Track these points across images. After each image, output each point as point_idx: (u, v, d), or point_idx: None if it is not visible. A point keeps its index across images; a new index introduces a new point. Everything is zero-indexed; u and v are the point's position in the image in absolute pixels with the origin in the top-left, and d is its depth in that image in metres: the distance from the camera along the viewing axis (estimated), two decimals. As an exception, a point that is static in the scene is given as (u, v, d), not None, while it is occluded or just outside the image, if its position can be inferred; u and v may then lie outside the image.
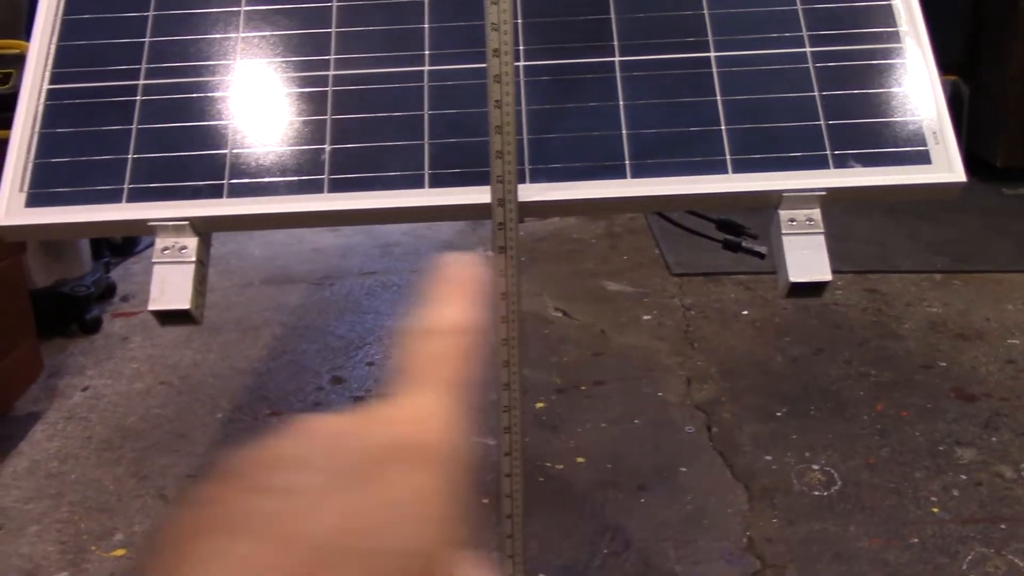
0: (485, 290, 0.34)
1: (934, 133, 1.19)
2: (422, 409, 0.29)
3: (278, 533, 0.24)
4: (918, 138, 1.19)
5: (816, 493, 1.95)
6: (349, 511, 0.25)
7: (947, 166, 1.17)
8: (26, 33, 2.71)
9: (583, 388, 2.41)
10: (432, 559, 0.25)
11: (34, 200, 1.15)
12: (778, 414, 2.25)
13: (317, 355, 2.65)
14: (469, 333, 0.32)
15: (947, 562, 1.73)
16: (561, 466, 2.07)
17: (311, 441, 0.27)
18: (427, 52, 1.23)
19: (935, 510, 1.88)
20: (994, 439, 2.12)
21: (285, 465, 0.26)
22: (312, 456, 0.26)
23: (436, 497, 0.26)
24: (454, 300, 0.33)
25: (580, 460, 2.09)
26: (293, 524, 0.24)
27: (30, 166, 1.17)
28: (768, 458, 2.08)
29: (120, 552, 1.83)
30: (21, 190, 1.15)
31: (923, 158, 1.17)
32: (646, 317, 2.82)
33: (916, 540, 1.79)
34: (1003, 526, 1.82)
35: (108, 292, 3.05)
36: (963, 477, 1.98)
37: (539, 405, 2.32)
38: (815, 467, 2.04)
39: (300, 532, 0.24)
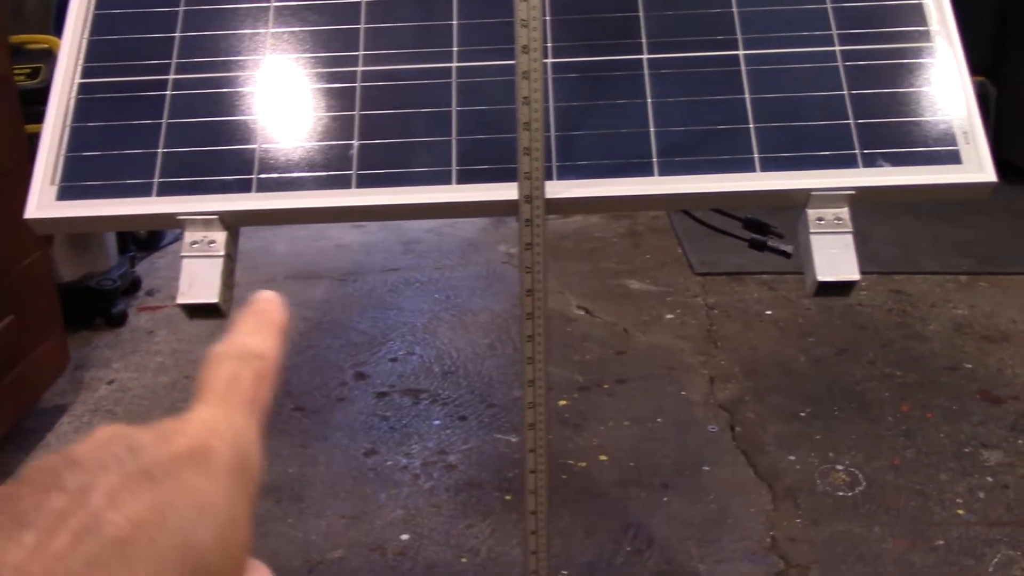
0: (284, 326, 0.36)
1: (964, 133, 1.18)
2: (216, 422, 0.30)
3: (71, 527, 0.25)
4: (948, 138, 1.18)
5: (840, 493, 1.94)
6: (142, 508, 0.26)
7: (977, 166, 1.16)
8: (55, 29, 2.74)
9: (606, 386, 2.41)
10: (223, 556, 0.27)
11: (65, 193, 1.16)
12: (802, 414, 2.24)
13: (340, 350, 2.66)
14: (265, 360, 0.34)
15: (973, 564, 1.72)
16: (584, 464, 2.07)
17: (108, 446, 0.28)
18: (455, 48, 1.23)
19: (961, 512, 1.87)
20: (1020, 442, 2.10)
21: (81, 467, 0.27)
22: (108, 460, 0.27)
23: (225, 500, 0.28)
24: (255, 329, 0.35)
25: (603, 458, 2.09)
26: (86, 519, 0.25)
27: (61, 159, 1.18)
28: (792, 458, 2.07)
29: (145, 544, 1.84)
30: (52, 183, 1.16)
31: (953, 158, 1.17)
32: (669, 316, 2.82)
33: (942, 542, 1.78)
34: (1029, 529, 1.81)
35: (134, 286, 3.08)
36: (989, 479, 1.97)
37: (562, 403, 2.32)
38: (839, 467, 2.03)
39: (93, 526, 0.25)
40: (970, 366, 2.45)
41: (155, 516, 0.26)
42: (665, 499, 1.94)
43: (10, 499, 0.26)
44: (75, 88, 1.22)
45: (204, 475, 0.28)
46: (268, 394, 0.34)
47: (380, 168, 1.17)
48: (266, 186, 1.16)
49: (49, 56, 2.66)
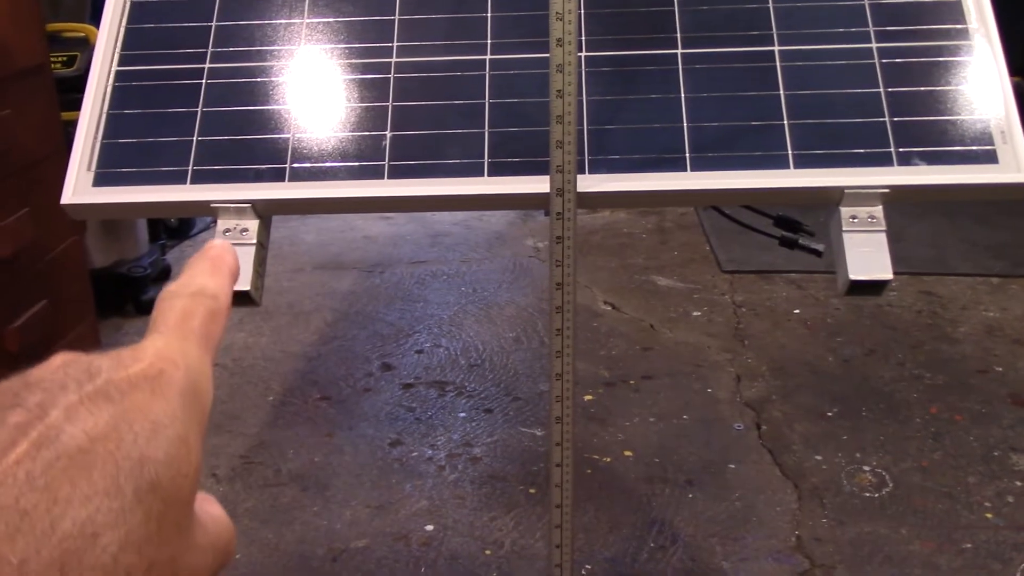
0: (235, 269, 0.38)
1: (1002, 132, 1.17)
2: (170, 349, 0.32)
3: (30, 437, 0.26)
4: (985, 137, 1.16)
5: (867, 494, 1.93)
6: (99, 424, 0.27)
7: (1015, 166, 1.15)
8: (91, 17, 2.77)
9: (631, 382, 2.40)
10: (174, 473, 0.28)
11: (101, 179, 1.17)
12: (829, 414, 2.23)
13: (367, 341, 2.67)
14: (217, 299, 0.35)
15: (1000, 568, 1.70)
16: (609, 459, 2.07)
17: (65, 369, 0.29)
18: (489, 41, 1.23)
19: (989, 516, 1.85)
20: (1051, 446, 2.08)
21: (39, 388, 0.28)
22: (66, 381, 0.28)
23: (177, 421, 0.29)
24: (207, 271, 0.36)
25: (628, 454, 2.09)
26: (45, 431, 0.26)
27: (98, 146, 1.19)
28: (818, 458, 2.06)
29: (172, 529, 1.86)
30: (89, 169, 1.18)
31: (990, 157, 1.15)
32: (696, 313, 2.81)
33: (969, 545, 1.77)
34: (1058, 535, 1.79)
35: (164, 274, 3.10)
36: (1018, 484, 1.95)
37: (587, 398, 2.32)
38: (866, 468, 2.02)
39: (52, 437, 0.26)
40: (1000, 369, 2.43)
41: (111, 431, 0.27)
42: (690, 496, 1.94)
43: None
44: (112, 76, 1.23)
45: (158, 396, 0.29)
46: (220, 331, 0.35)
47: (412, 159, 1.17)
48: (299, 175, 1.17)
49: (85, 44, 2.69)
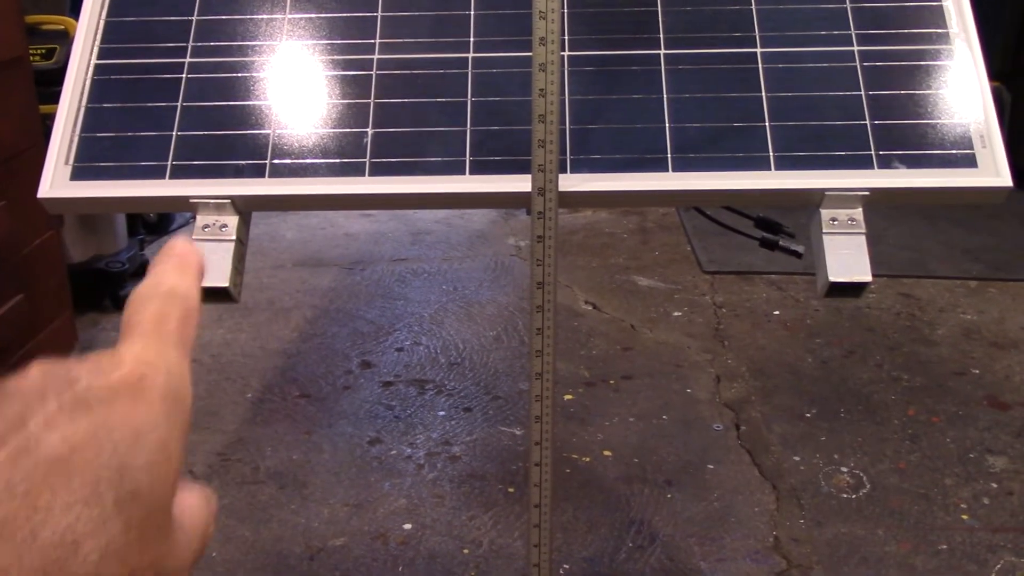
0: (201, 268, 0.37)
1: (981, 136, 1.17)
2: (148, 354, 0.32)
3: (8, 445, 0.26)
4: (965, 141, 1.17)
5: (844, 495, 1.94)
6: (79, 432, 0.27)
7: (994, 170, 1.15)
8: (71, 10, 2.74)
9: (611, 382, 2.40)
10: (154, 479, 0.28)
11: (79, 173, 1.16)
12: (807, 415, 2.24)
13: (347, 339, 2.66)
14: (188, 299, 0.35)
15: (976, 570, 1.71)
16: (588, 459, 2.07)
17: (43, 379, 0.29)
18: (472, 39, 1.23)
19: (965, 517, 1.86)
20: (1026, 449, 2.10)
21: (18, 398, 0.28)
22: (45, 390, 0.28)
23: (158, 427, 0.29)
24: (174, 270, 0.36)
25: (607, 453, 2.09)
26: (24, 440, 0.26)
27: (76, 140, 1.18)
28: (796, 458, 2.06)
29: (148, 526, 1.85)
30: (67, 163, 1.16)
31: (969, 161, 1.16)
32: (676, 313, 2.81)
33: (945, 547, 1.78)
34: (1033, 536, 1.80)
35: (142, 269, 3.08)
36: (994, 485, 1.96)
37: (567, 397, 2.32)
38: (844, 469, 2.03)
39: (31, 446, 0.26)
40: (977, 371, 2.45)
41: (91, 439, 0.27)
42: (668, 496, 1.94)
43: None
44: (91, 69, 1.22)
45: (138, 403, 0.29)
46: (193, 332, 0.35)
47: (393, 157, 1.17)
48: (279, 171, 1.16)
49: (65, 37, 2.66)
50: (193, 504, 0.32)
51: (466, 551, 1.79)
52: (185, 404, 0.32)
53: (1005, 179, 1.15)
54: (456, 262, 3.25)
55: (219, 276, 1.12)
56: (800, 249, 1.48)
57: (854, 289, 1.15)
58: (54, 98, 1.23)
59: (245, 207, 1.16)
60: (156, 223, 3.42)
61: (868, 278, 1.13)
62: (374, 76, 1.21)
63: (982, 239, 3.35)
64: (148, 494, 0.27)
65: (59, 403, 0.27)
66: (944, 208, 3.55)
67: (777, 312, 2.80)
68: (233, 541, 1.82)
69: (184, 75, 1.22)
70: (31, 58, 2.32)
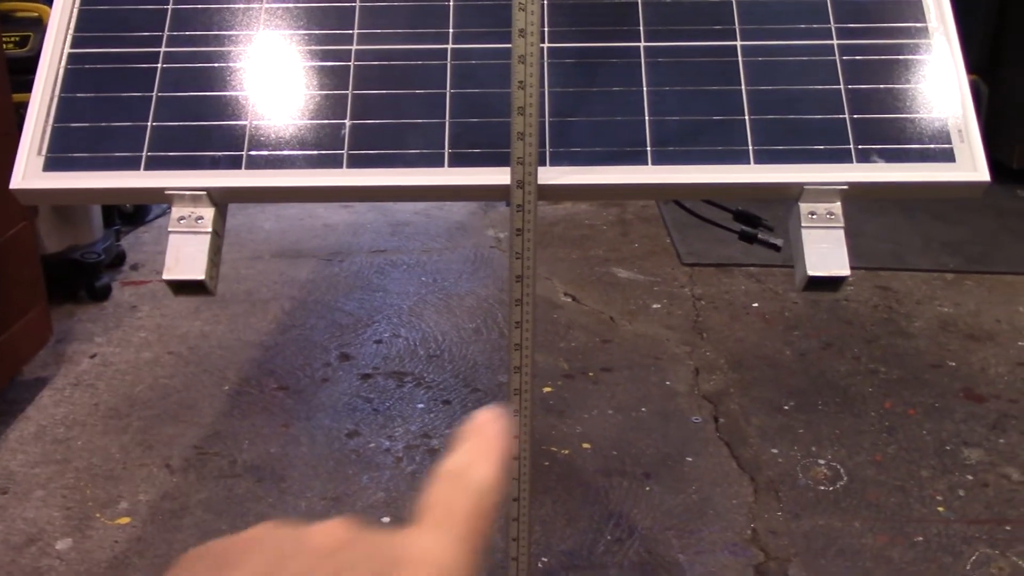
0: (505, 450, 0.35)
1: (959, 131, 1.17)
2: (432, 555, 0.30)
3: None
4: (943, 135, 1.17)
5: (822, 488, 1.95)
6: None
7: (971, 165, 1.16)
8: (45, -3, 2.71)
9: (590, 374, 2.40)
10: None
11: (52, 164, 1.15)
12: (785, 407, 2.25)
13: (325, 331, 2.65)
14: (488, 493, 0.33)
15: (951, 561, 1.72)
16: (567, 451, 2.07)
17: (327, 552, 0.28)
18: (451, 30, 1.22)
19: (941, 509, 1.88)
20: (1002, 441, 2.11)
21: (302, 562, 0.27)
22: (334, 569, 0.27)
23: None
24: (479, 453, 0.34)
25: (586, 446, 2.09)
26: None
27: (49, 130, 1.16)
28: (774, 451, 2.07)
29: (124, 520, 1.83)
30: (39, 153, 1.15)
31: (947, 156, 1.16)
32: (656, 306, 2.82)
33: (921, 538, 1.79)
34: (1008, 528, 1.82)
35: (118, 260, 3.05)
36: (969, 477, 1.98)
37: (546, 390, 2.32)
38: (821, 462, 2.03)
39: None
40: (954, 364, 2.46)
41: None
42: (647, 489, 1.94)
43: (232, 564, 0.26)
44: (64, 58, 1.20)
45: None
46: (487, 528, 0.33)
47: (372, 149, 1.16)
48: (256, 163, 1.15)
49: (39, 24, 2.63)
50: None
51: (444, 544, 1.79)
52: None
53: (983, 174, 1.15)
54: (435, 254, 3.24)
55: (195, 269, 1.11)
56: (779, 242, 1.49)
57: (832, 283, 1.15)
58: (28, 86, 1.21)
59: (221, 199, 1.14)
60: (133, 213, 3.39)
61: (846, 272, 1.14)
62: (352, 67, 1.20)
63: (960, 232, 3.38)
64: None
65: None
66: (922, 201, 3.56)
67: (756, 304, 2.81)
68: (210, 536, 1.80)
69: (159, 65, 1.20)
70: (4, 46, 2.29)
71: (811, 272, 1.12)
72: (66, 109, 1.18)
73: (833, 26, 1.24)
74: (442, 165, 1.15)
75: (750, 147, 1.17)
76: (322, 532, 0.28)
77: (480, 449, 0.34)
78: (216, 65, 1.20)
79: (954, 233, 3.37)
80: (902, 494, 1.92)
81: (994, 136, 3.90)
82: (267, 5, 1.23)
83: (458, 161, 1.15)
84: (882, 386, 2.34)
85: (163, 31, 1.22)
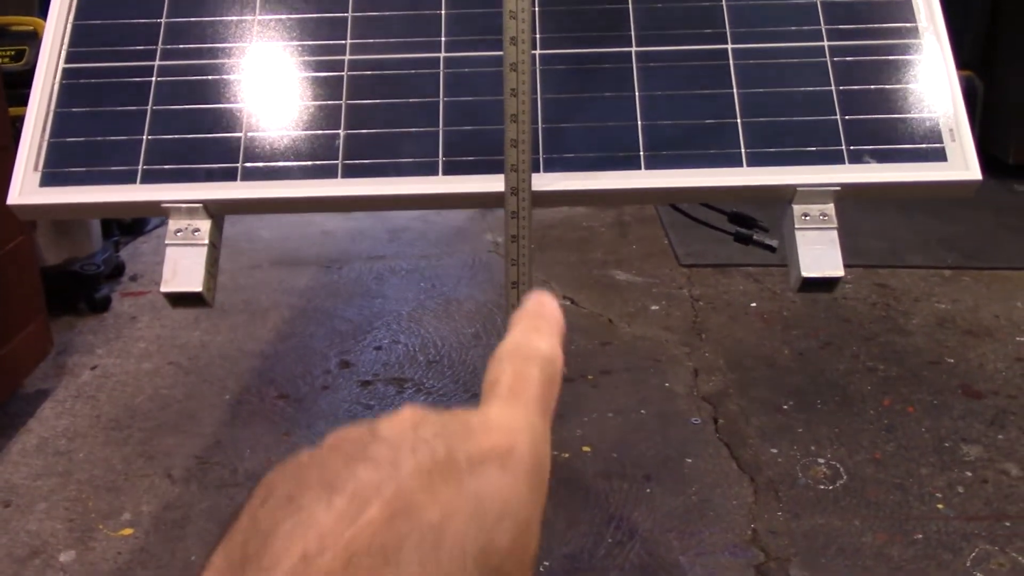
0: (563, 327, 0.35)
1: (951, 130, 1.18)
2: (515, 421, 0.30)
3: (384, 499, 0.24)
4: (934, 135, 1.18)
5: (821, 487, 1.95)
6: (452, 498, 0.25)
7: (963, 164, 1.16)
8: (40, 11, 2.72)
9: (590, 377, 2.41)
10: (516, 562, 0.26)
11: (48, 179, 1.15)
12: (784, 407, 2.25)
13: (325, 338, 2.65)
14: (553, 363, 0.33)
15: (951, 559, 1.73)
16: (567, 455, 2.08)
17: (415, 428, 0.27)
18: (443, 39, 1.23)
19: (940, 506, 1.88)
20: (1000, 437, 2.12)
21: (388, 443, 0.26)
22: (416, 442, 0.26)
23: (524, 504, 0.27)
24: (536, 329, 0.34)
25: (586, 449, 2.10)
26: (398, 495, 0.24)
27: (45, 145, 1.17)
28: (774, 451, 2.08)
29: (127, 532, 1.84)
30: (36, 169, 1.16)
31: (939, 155, 1.17)
32: (654, 307, 2.82)
33: (920, 536, 1.79)
34: (1008, 524, 1.82)
35: (117, 271, 3.06)
36: (968, 474, 1.98)
37: (546, 393, 2.32)
38: (821, 461, 2.04)
39: (406, 505, 0.24)
40: (952, 361, 2.47)
41: (465, 507, 0.25)
42: (647, 491, 1.95)
43: (318, 464, 0.25)
44: (59, 73, 1.21)
45: (508, 475, 0.27)
46: (556, 398, 0.33)
47: (366, 158, 1.16)
48: (251, 175, 1.15)
49: (34, 38, 2.64)
50: None
51: (447, 549, 1.79)
52: (546, 481, 0.29)
53: (974, 172, 1.16)
54: (434, 259, 3.25)
55: (192, 281, 1.12)
56: (774, 243, 1.49)
57: (827, 284, 1.16)
58: (24, 100, 1.22)
59: (217, 211, 1.15)
60: (131, 224, 3.40)
61: (840, 273, 1.14)
62: (345, 77, 1.21)
63: (956, 228, 3.38)
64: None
65: (431, 460, 0.26)
66: (918, 198, 3.57)
67: (754, 304, 2.82)
68: (212, 546, 1.81)
69: (154, 78, 1.21)
70: (0, 60, 2.30)
71: (805, 273, 1.13)
72: (62, 124, 1.18)
73: (823, 28, 1.24)
74: (437, 173, 1.16)
75: (743, 150, 1.17)
76: (395, 419, 0.28)
77: (536, 326, 0.34)
78: (210, 78, 1.20)
79: (951, 229, 3.37)
80: (901, 492, 1.93)
81: (990, 132, 3.91)
82: (260, 17, 1.24)
83: (452, 169, 1.16)
84: (881, 384, 2.35)
85: (157, 45, 1.22)
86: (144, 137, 1.17)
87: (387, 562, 0.23)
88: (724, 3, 1.25)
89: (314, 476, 0.25)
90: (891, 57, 1.22)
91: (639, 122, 1.18)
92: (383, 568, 0.23)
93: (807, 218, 1.15)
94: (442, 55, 1.22)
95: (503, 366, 0.32)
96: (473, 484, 0.26)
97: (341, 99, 1.20)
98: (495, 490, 0.26)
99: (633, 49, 1.23)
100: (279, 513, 0.24)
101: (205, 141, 1.17)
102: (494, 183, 1.13)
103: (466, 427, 0.28)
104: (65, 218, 2.59)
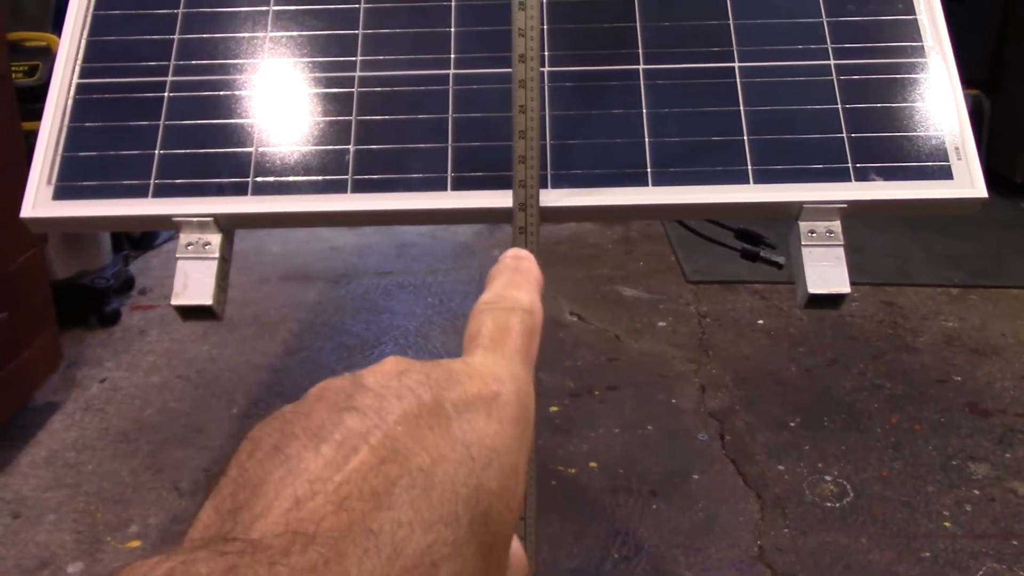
0: (538, 278, 0.35)
1: (956, 149, 1.19)
2: (499, 368, 0.30)
3: (372, 445, 0.24)
4: (940, 153, 1.19)
5: (828, 504, 1.95)
6: (440, 442, 0.25)
7: (969, 181, 1.17)
8: (53, 27, 2.74)
9: (597, 393, 2.41)
10: (503, 504, 0.26)
11: (61, 193, 1.17)
12: (791, 424, 2.25)
13: (332, 353, 2.66)
14: (532, 314, 0.33)
15: (958, 577, 1.73)
16: (574, 470, 2.08)
17: (399, 377, 0.27)
18: (453, 56, 1.24)
19: (947, 524, 1.88)
20: (1008, 455, 2.11)
21: (374, 392, 0.26)
22: (401, 389, 0.27)
23: (510, 448, 0.27)
24: (515, 283, 0.35)
25: (593, 465, 2.10)
26: (386, 441, 0.25)
27: (58, 159, 1.18)
28: (781, 468, 2.08)
29: (135, 544, 1.85)
30: (49, 183, 1.17)
31: (945, 173, 1.17)
32: (661, 324, 2.82)
33: (928, 554, 1.79)
34: (1015, 542, 1.82)
35: (127, 285, 3.08)
36: (976, 492, 1.98)
37: (553, 409, 2.33)
38: (827, 478, 2.04)
39: (395, 451, 0.24)
40: (959, 379, 2.47)
41: (453, 452, 0.25)
42: (654, 507, 1.95)
43: (303, 415, 0.26)
44: (73, 88, 1.23)
45: (493, 421, 0.27)
46: (536, 349, 0.33)
47: (375, 173, 1.17)
48: (262, 189, 1.16)
49: (47, 54, 2.66)
50: (516, 549, 0.30)
51: (453, 564, 1.79)
52: (531, 427, 0.30)
53: (980, 190, 1.16)
54: (441, 275, 3.26)
55: (203, 294, 1.13)
56: (781, 260, 1.50)
57: (833, 300, 1.16)
58: (37, 115, 1.23)
59: (228, 225, 1.16)
60: (141, 238, 3.42)
61: (847, 290, 1.15)
62: (355, 93, 1.22)
63: (964, 246, 3.38)
64: (497, 520, 0.26)
65: (417, 406, 0.26)
66: (926, 216, 3.57)
67: (761, 321, 2.82)
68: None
69: (166, 94, 1.22)
70: (13, 75, 2.32)
71: (812, 290, 1.13)
72: (75, 138, 1.20)
73: (830, 46, 1.25)
74: (445, 189, 1.17)
75: (749, 167, 1.18)
76: (379, 368, 0.28)
77: (515, 280, 0.35)
78: (222, 94, 1.22)
79: (959, 247, 3.37)
80: (909, 510, 1.92)
81: (997, 150, 3.91)
82: (271, 34, 1.25)
83: (461, 185, 1.17)
84: (888, 402, 2.35)
85: (170, 61, 1.24)
86: (156, 152, 1.18)
87: (379, 505, 0.23)
88: (731, 22, 1.26)
89: (300, 426, 0.25)
90: (897, 76, 1.23)
91: (647, 139, 1.19)
92: (376, 512, 0.23)
93: (813, 235, 1.15)
94: (451, 72, 1.23)
95: (483, 318, 0.33)
96: (460, 430, 0.26)
97: (351, 115, 1.21)
98: (482, 435, 0.26)
99: (641, 67, 1.24)
100: (268, 463, 0.24)
101: (216, 156, 1.18)
102: (502, 199, 1.14)
103: (451, 375, 0.28)
104: (78, 231, 2.61)
